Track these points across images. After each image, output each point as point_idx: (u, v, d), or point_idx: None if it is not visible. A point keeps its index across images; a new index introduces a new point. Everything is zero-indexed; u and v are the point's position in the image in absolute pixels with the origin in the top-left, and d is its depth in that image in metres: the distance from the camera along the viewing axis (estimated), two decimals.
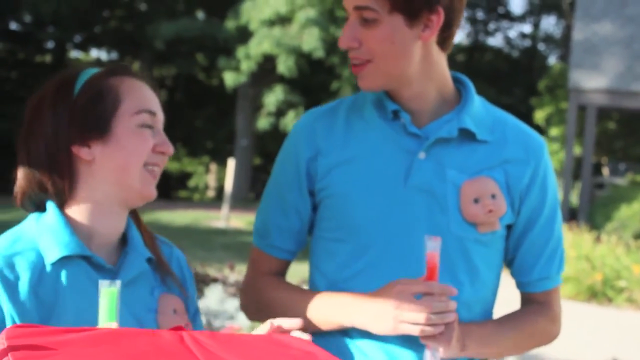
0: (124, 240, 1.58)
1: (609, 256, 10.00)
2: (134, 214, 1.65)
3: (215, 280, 7.21)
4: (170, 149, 1.55)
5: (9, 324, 1.38)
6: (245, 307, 1.87)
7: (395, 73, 1.68)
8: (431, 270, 1.55)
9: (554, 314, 1.83)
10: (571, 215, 16.40)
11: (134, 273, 1.52)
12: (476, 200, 1.69)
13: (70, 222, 1.51)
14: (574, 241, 10.74)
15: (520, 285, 1.83)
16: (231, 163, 16.36)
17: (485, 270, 1.74)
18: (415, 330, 1.55)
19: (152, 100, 1.56)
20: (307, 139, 1.78)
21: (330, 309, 1.68)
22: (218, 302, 5.89)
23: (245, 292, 1.86)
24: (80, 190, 1.52)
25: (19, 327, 1.16)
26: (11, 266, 1.42)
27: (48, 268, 1.45)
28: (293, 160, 1.79)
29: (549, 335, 1.84)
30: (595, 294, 9.68)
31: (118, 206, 1.54)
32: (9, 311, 1.38)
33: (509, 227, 1.77)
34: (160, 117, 1.57)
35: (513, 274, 1.83)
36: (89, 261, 1.48)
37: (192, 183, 30.58)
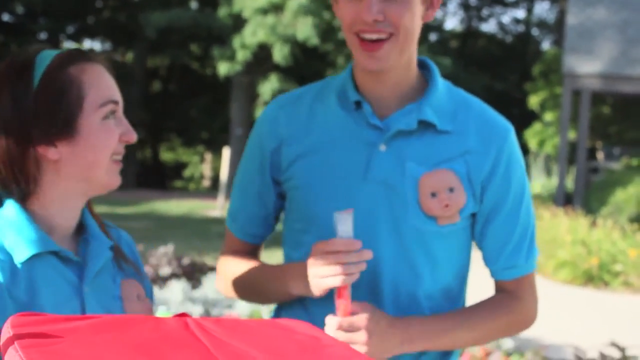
0: (78, 228, 1.53)
1: (605, 240, 10.02)
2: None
3: (212, 269, 7.22)
4: (134, 136, 1.50)
5: None
6: (219, 283, 1.92)
7: (406, 51, 1.68)
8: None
9: (523, 305, 1.79)
10: (566, 200, 16.43)
11: (101, 263, 1.48)
12: (433, 194, 1.68)
13: (32, 217, 1.45)
14: (570, 226, 10.76)
15: (490, 272, 1.82)
16: (226, 152, 16.35)
17: (446, 261, 1.74)
18: (333, 282, 1.60)
19: (113, 87, 1.50)
20: (271, 128, 1.79)
21: (283, 281, 1.74)
22: (215, 290, 5.90)
23: (219, 268, 1.92)
24: (44, 186, 1.47)
25: (23, 315, 1.16)
26: None
27: (19, 267, 1.39)
28: (258, 149, 1.81)
29: (516, 327, 1.81)
30: (591, 278, 9.71)
31: (79, 198, 1.50)
32: None
33: (473, 216, 1.76)
34: (121, 102, 1.52)
35: (484, 262, 1.81)
36: (56, 256, 1.44)
37: (187, 173, 30.57)
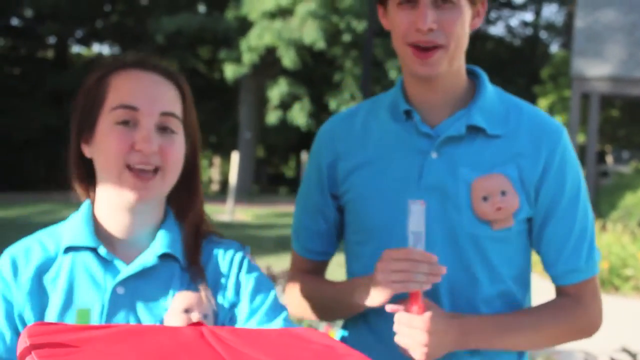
0: None
1: (615, 244, 9.99)
2: (185, 208, 1.59)
3: None
4: (146, 147, 1.46)
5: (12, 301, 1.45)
6: (289, 304, 1.91)
7: (456, 59, 1.70)
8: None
9: (585, 310, 1.77)
10: None
11: (137, 268, 1.48)
12: (485, 198, 1.69)
13: (94, 218, 1.53)
14: None
15: (551, 278, 1.79)
16: (235, 156, 16.35)
17: (503, 266, 1.73)
18: (403, 287, 1.60)
19: (138, 93, 1.48)
20: (328, 144, 1.83)
21: (348, 295, 1.75)
22: None
23: (288, 289, 1.93)
24: (99, 187, 1.53)
25: (40, 325, 1.17)
26: (27, 252, 1.49)
27: (57, 257, 1.49)
28: (315, 165, 1.85)
29: (579, 333, 1.79)
30: (601, 283, 9.68)
31: (121, 208, 1.51)
32: (10, 289, 1.45)
33: (529, 220, 1.75)
34: (148, 111, 1.48)
35: (543, 267, 1.79)
36: (96, 253, 1.49)
37: None
